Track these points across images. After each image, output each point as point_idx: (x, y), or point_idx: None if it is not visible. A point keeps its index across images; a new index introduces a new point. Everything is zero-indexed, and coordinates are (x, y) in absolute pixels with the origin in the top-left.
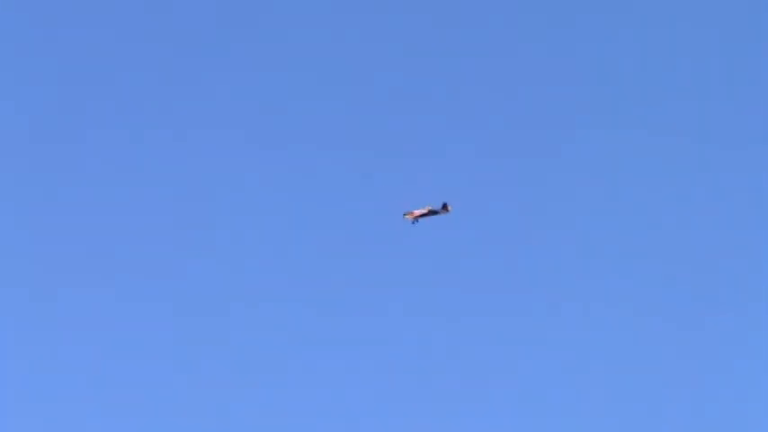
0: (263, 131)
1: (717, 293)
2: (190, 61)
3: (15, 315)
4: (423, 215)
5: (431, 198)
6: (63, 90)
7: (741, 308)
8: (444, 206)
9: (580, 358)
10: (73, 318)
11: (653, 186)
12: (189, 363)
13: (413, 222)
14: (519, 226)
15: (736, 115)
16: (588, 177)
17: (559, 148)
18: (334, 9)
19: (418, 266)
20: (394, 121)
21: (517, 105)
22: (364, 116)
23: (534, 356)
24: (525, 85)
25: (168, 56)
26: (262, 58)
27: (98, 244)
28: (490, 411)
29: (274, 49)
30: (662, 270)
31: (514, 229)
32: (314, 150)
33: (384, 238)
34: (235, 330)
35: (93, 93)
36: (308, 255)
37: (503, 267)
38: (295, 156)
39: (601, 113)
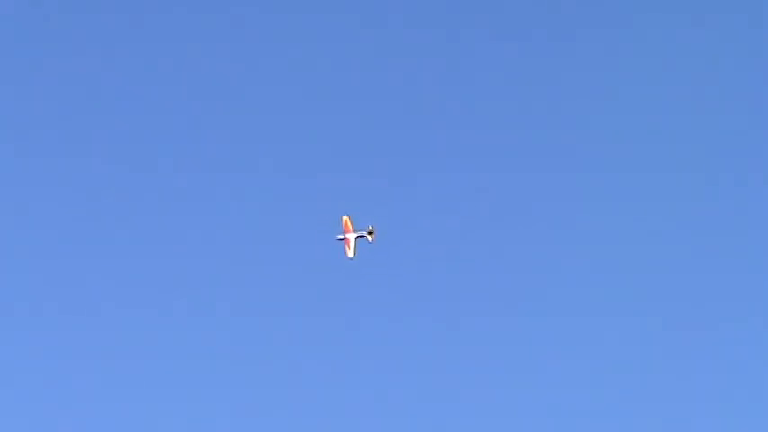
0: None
1: (719, 296)
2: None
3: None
4: (346, 238)
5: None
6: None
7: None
8: (370, 232)
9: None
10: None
11: (654, 184)
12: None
13: (340, 239)
14: (519, 226)
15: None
16: (589, 176)
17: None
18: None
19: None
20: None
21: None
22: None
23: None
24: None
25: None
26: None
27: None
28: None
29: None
30: (664, 271)
31: (515, 231)
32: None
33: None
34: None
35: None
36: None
37: (504, 268)
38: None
39: (601, 113)
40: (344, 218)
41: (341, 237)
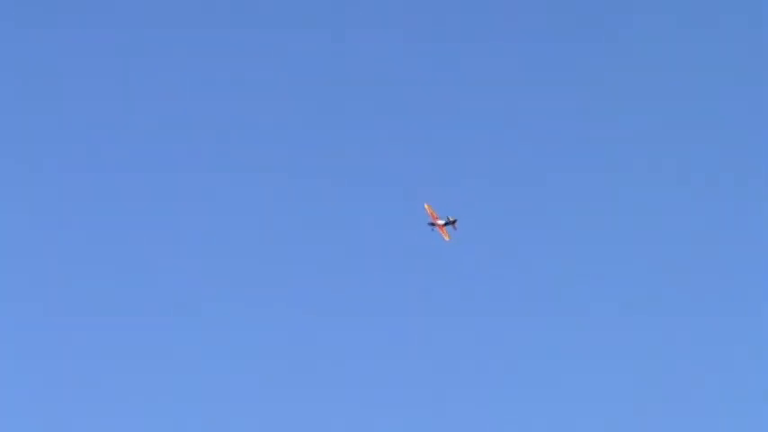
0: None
1: (719, 292)
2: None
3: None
4: (438, 224)
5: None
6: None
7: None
8: (453, 221)
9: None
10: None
11: (654, 184)
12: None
13: (431, 225)
14: (521, 227)
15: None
16: (590, 176)
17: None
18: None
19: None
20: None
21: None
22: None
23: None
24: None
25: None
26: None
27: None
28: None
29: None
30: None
31: (518, 231)
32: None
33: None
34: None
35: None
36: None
37: (507, 269)
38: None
39: (602, 112)
40: (427, 206)
41: (431, 223)
